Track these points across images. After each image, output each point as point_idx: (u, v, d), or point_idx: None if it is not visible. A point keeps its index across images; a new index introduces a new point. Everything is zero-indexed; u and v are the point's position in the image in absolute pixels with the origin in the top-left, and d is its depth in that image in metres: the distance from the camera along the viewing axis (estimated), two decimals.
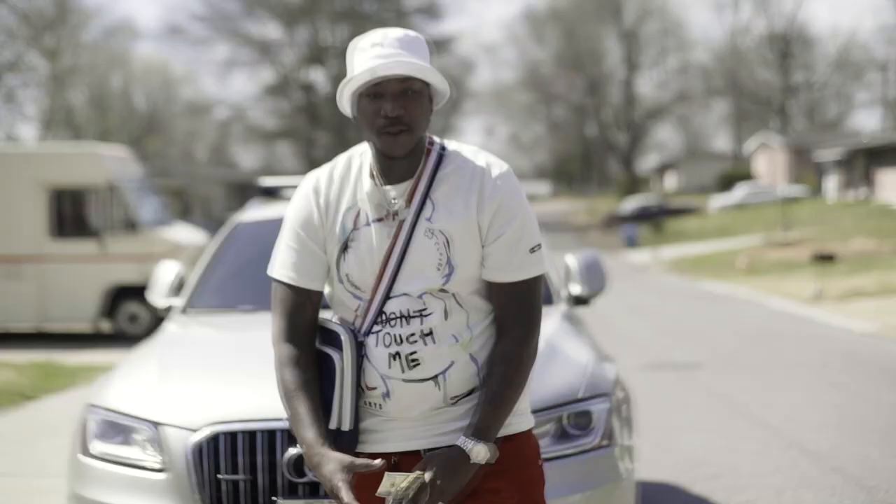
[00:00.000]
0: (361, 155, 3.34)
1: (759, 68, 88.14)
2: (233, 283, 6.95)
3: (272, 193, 7.90)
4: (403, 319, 3.18)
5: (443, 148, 3.31)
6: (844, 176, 61.37)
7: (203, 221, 40.80)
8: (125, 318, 19.38)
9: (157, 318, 18.81)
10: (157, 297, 6.98)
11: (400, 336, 3.20)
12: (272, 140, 68.80)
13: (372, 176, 3.26)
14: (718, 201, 69.33)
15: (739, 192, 68.41)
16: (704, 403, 11.74)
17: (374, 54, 3.16)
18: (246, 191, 64.52)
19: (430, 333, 3.20)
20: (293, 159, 67.50)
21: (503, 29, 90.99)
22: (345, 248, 3.24)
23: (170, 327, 6.49)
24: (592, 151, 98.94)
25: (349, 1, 64.25)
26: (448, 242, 3.19)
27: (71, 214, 19.53)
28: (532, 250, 3.26)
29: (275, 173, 55.59)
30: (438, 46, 67.11)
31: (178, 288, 7.00)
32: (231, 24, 63.13)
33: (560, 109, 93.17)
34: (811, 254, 32.03)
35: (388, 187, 3.23)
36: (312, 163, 61.62)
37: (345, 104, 3.27)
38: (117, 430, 5.19)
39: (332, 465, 3.03)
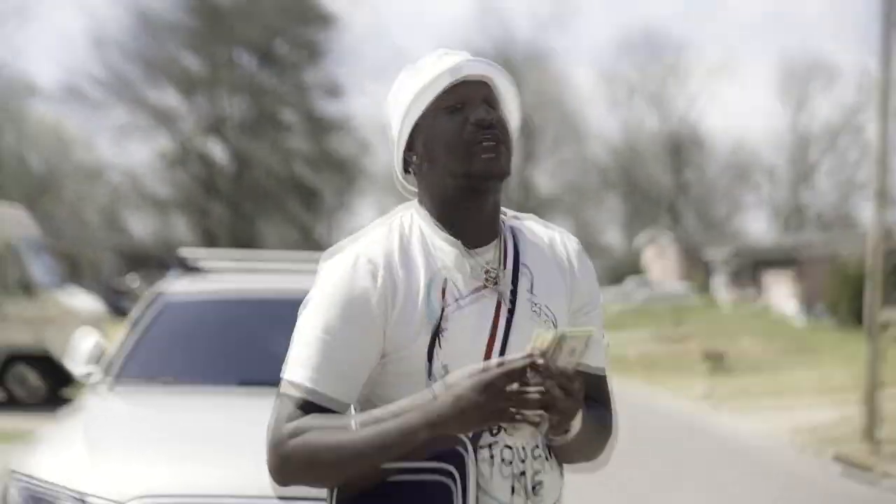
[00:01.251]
0: (412, 217, 2.65)
1: (652, 168, 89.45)
2: (155, 356, 6.89)
3: (190, 267, 7.88)
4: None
5: None
6: (733, 276, 62.33)
7: (93, 286, 40.27)
8: (16, 383, 18.84)
9: (52, 385, 18.45)
10: (76, 365, 6.88)
11: (523, 450, 2.52)
12: (166, 209, 68.31)
13: (446, 233, 2.59)
14: (612, 298, 69.98)
15: (630, 289, 69.12)
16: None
17: (447, 59, 2.63)
18: (138, 259, 63.86)
19: (550, 445, 2.55)
20: (187, 230, 67.01)
21: None
22: (437, 333, 2.48)
23: (93, 399, 6.42)
24: None
25: (249, 74, 64.29)
26: (555, 324, 2.58)
27: None
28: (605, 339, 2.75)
29: (168, 244, 55.14)
30: (337, 126, 67.38)
31: (97, 357, 6.92)
32: (130, 89, 62.83)
33: None
34: (700, 353, 32.35)
35: (479, 249, 2.58)
36: (207, 234, 61.17)
37: (399, 146, 2.66)
38: (41, 500, 5.06)
39: (463, 373, 2.34)
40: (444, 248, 2.57)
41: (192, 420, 6.05)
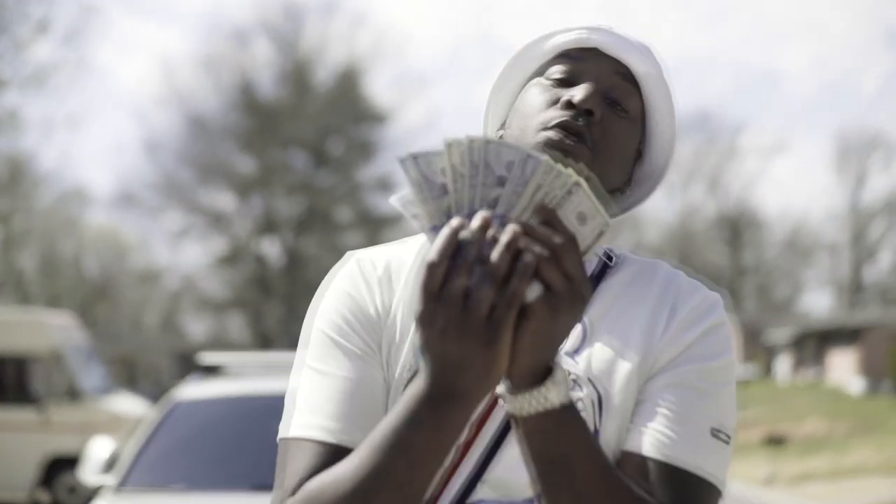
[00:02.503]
0: None
1: (710, 249, 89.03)
2: (168, 461, 6.72)
3: (214, 371, 7.74)
4: None
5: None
6: (795, 356, 61.61)
7: (151, 391, 40.31)
8: (63, 489, 18.82)
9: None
10: (88, 474, 6.74)
11: None
12: (222, 311, 68.48)
13: None
14: None
15: None
16: None
17: (585, 25, 1.96)
18: (194, 362, 64.02)
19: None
20: (243, 331, 67.14)
21: None
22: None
23: None
24: None
25: (303, 174, 64.59)
26: (600, 402, 1.80)
27: (12, 381, 19.21)
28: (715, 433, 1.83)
29: (224, 345, 55.26)
30: (390, 222, 67.62)
31: (110, 465, 6.77)
32: (184, 194, 63.31)
33: None
34: (763, 435, 31.86)
35: None
36: (262, 335, 61.24)
37: (493, 124, 2.03)
38: None
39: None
40: None
41: None
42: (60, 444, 18.71)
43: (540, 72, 1.94)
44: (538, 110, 1.85)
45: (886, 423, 32.87)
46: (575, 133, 1.82)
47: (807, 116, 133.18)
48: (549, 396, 1.57)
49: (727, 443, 1.85)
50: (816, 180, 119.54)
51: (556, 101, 1.85)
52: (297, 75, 62.26)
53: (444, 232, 1.46)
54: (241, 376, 7.70)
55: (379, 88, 64.40)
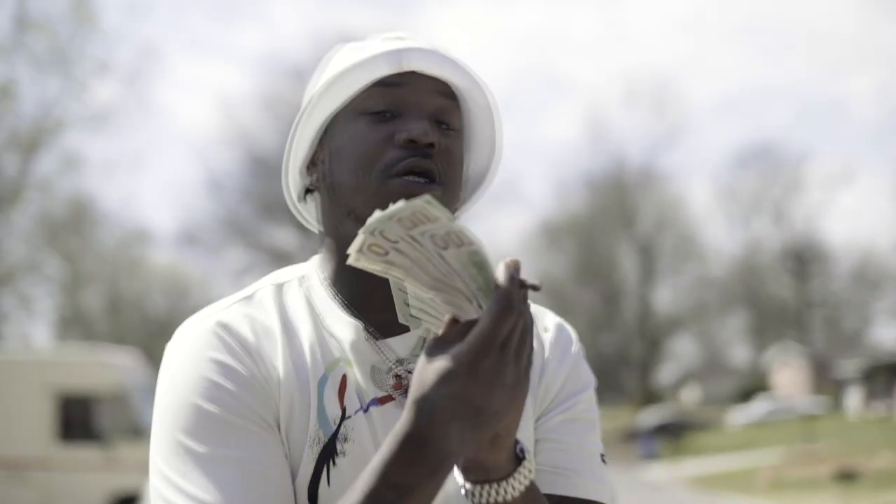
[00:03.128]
0: (302, 280, 1.80)
1: (776, 281, 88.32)
2: None
3: None
4: None
5: None
6: (866, 390, 60.79)
7: None
8: None
9: None
10: None
11: None
12: None
13: (347, 309, 1.75)
14: (738, 415, 68.61)
15: (760, 406, 67.71)
16: None
17: (389, 44, 1.79)
18: None
19: None
20: None
21: (519, 240, 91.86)
22: (329, 456, 1.66)
23: None
24: (608, 363, 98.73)
25: None
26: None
27: (78, 419, 19.28)
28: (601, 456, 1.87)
29: None
30: None
31: None
32: (245, 231, 63.63)
33: (576, 321, 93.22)
34: (833, 470, 31.35)
35: (393, 339, 1.75)
36: None
37: (296, 160, 1.82)
38: None
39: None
40: (341, 326, 1.72)
41: None
42: (125, 482, 18.74)
43: (354, 104, 1.76)
44: (373, 151, 1.70)
45: None
46: (426, 174, 1.71)
47: (872, 145, 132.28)
48: (531, 467, 1.57)
49: (606, 464, 1.87)
50: (883, 209, 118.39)
51: (390, 139, 1.71)
52: None
53: (504, 295, 1.41)
54: None
55: None
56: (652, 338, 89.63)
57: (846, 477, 29.47)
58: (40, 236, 39.26)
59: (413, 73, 1.76)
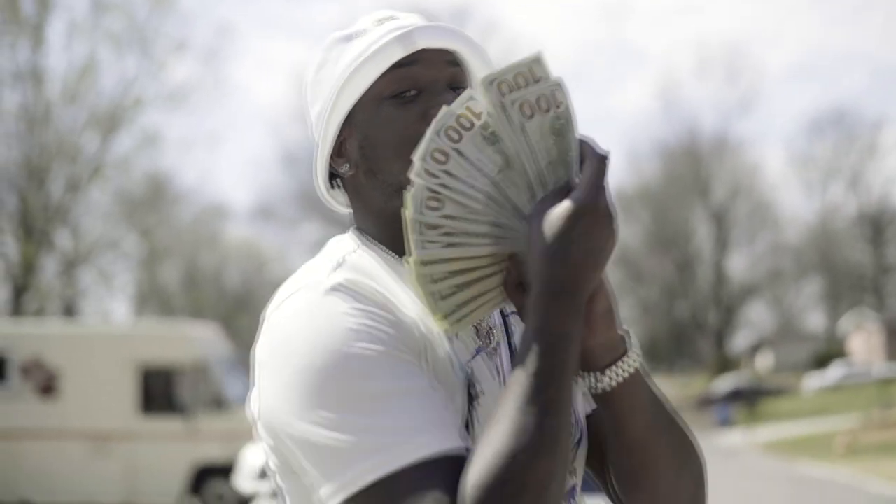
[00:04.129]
0: (357, 249, 1.86)
1: (852, 247, 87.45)
2: None
3: None
4: None
5: None
6: None
7: None
8: (212, 497, 19.11)
9: (244, 499, 18.68)
10: (243, 480, 6.80)
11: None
12: None
13: None
14: (813, 381, 68.17)
15: (835, 371, 67.24)
16: None
17: (392, 27, 1.87)
18: None
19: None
20: None
21: None
22: (471, 400, 1.74)
23: None
24: (683, 331, 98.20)
25: None
26: None
27: (160, 392, 19.55)
28: None
29: None
30: None
31: (264, 472, 6.82)
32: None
33: (650, 289, 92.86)
34: None
35: None
36: None
37: (323, 150, 1.91)
38: None
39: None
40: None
41: None
42: (207, 453, 19.03)
43: (372, 91, 1.85)
44: (412, 131, 1.77)
45: None
46: None
47: None
48: (637, 350, 1.72)
49: None
50: None
51: (423, 116, 1.78)
52: None
53: (592, 142, 1.64)
54: None
55: None
56: (726, 305, 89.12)
57: None
58: (119, 213, 39.74)
59: (422, 49, 1.84)
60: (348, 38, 1.89)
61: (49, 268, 36.11)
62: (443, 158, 1.62)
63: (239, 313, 64.02)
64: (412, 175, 1.62)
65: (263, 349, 1.73)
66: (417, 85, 1.83)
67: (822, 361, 74.95)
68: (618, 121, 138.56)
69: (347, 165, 1.89)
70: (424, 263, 1.64)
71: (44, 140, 33.95)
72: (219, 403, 19.30)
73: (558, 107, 1.61)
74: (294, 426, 1.63)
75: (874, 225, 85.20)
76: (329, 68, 1.89)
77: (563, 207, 1.57)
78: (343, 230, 2.00)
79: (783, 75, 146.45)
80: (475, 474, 1.51)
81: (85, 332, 21.33)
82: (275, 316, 1.73)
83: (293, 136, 75.51)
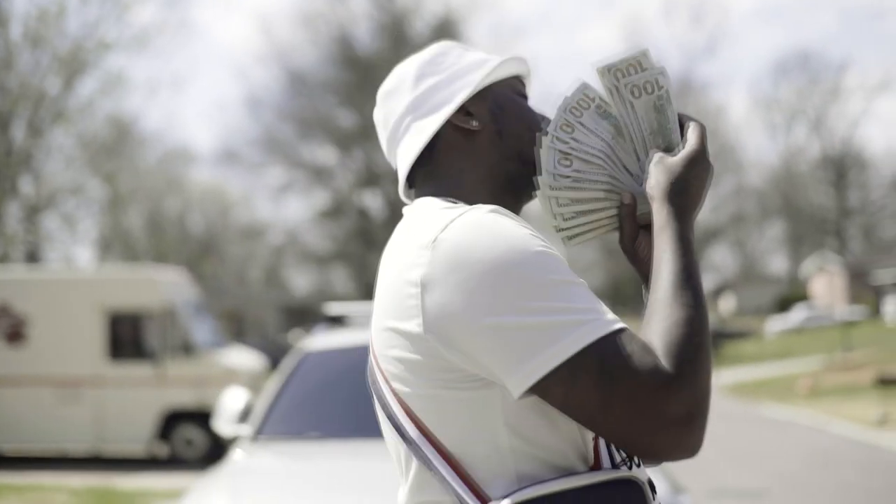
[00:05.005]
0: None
1: (815, 190, 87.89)
2: (301, 411, 6.78)
3: (338, 321, 7.79)
4: None
5: None
6: None
7: (258, 344, 40.78)
8: (181, 441, 19.17)
9: (214, 443, 18.72)
10: (224, 424, 6.81)
11: None
12: (326, 264, 68.90)
13: None
14: (776, 324, 68.72)
15: (797, 314, 67.80)
16: None
17: (513, 53, 2.38)
18: (300, 314, 64.48)
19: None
20: (347, 283, 67.52)
21: None
22: None
23: (239, 455, 6.31)
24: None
25: None
26: None
27: (127, 337, 19.51)
28: None
29: (329, 297, 55.60)
30: None
31: (245, 415, 6.84)
32: (285, 149, 63.65)
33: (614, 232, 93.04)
34: (873, 377, 31.49)
35: None
36: (367, 287, 61.59)
37: (460, 97, 2.25)
38: None
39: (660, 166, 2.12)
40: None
41: (339, 474, 5.92)
42: (176, 398, 19.06)
43: (507, 84, 2.34)
44: (537, 119, 2.30)
45: None
46: None
47: None
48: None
49: None
50: None
51: (534, 114, 2.31)
52: (394, 28, 62.26)
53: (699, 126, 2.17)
54: (365, 326, 7.75)
55: (476, 38, 64.15)
56: None
57: (885, 383, 29.63)
58: (82, 158, 39.46)
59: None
60: (466, 49, 2.37)
61: (12, 214, 35.85)
62: (569, 129, 2.18)
63: (203, 258, 63.86)
64: (546, 141, 2.17)
65: (438, 266, 1.95)
66: (524, 93, 2.37)
67: (784, 304, 75.58)
68: (584, 62, 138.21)
69: (476, 122, 2.26)
70: (553, 188, 2.17)
71: (6, 84, 33.63)
72: (187, 349, 19.28)
73: (661, 89, 2.16)
74: (488, 322, 1.89)
75: (837, 168, 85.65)
76: (454, 57, 2.33)
77: (682, 157, 2.12)
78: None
79: (748, 18, 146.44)
80: (660, 336, 1.88)
81: (52, 278, 21.20)
82: (446, 235, 1.97)
83: (257, 79, 75.18)
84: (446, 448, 1.98)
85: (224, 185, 69.69)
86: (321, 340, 7.32)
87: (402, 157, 2.28)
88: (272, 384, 7.11)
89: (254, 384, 18.61)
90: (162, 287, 19.78)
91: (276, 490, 5.64)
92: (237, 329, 52.56)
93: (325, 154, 64.99)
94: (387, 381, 2.06)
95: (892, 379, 30.15)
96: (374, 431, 6.41)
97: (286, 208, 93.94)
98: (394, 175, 2.37)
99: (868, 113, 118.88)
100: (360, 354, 7.12)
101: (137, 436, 19.11)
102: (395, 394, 2.04)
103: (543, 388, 1.87)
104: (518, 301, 1.88)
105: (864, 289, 69.04)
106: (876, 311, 65.61)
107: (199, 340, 19.49)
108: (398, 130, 2.30)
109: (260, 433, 6.58)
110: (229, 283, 65.77)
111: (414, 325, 1.95)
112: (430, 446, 2.00)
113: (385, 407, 2.09)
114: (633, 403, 1.83)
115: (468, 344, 1.90)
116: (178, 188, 64.65)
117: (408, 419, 2.03)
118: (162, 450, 19.83)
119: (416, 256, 1.98)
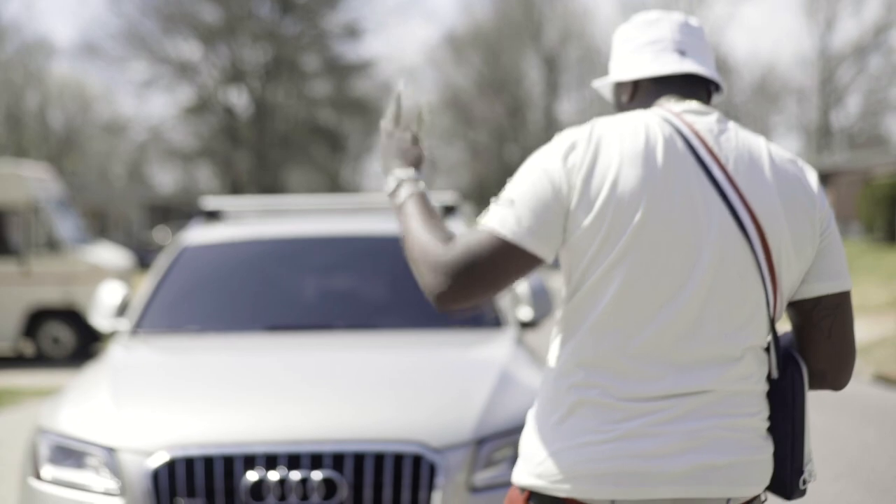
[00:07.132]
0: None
1: None
2: (179, 305, 6.75)
3: (214, 216, 7.75)
4: None
5: None
6: None
7: (122, 241, 40.35)
8: (47, 339, 18.91)
9: (82, 341, 18.55)
10: (101, 319, 6.75)
11: None
12: (190, 161, 68.13)
13: None
14: None
15: None
16: None
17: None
18: (164, 212, 63.82)
19: None
20: (212, 181, 66.86)
21: (424, 52, 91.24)
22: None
23: (118, 350, 6.26)
24: (512, 174, 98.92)
25: (269, 22, 63.79)
26: None
27: None
28: None
29: (193, 195, 55.09)
30: (358, 70, 67.09)
31: (122, 310, 6.79)
32: (148, 43, 62.48)
33: (480, 133, 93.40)
34: None
35: None
36: (232, 184, 61.13)
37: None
38: (70, 454, 4.97)
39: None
40: None
41: (220, 367, 5.94)
42: (42, 296, 18.76)
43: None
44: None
45: (856, 264, 33.19)
46: None
47: None
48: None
49: None
50: (785, 24, 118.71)
51: None
52: None
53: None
54: (242, 221, 7.73)
55: None
56: None
57: None
58: None
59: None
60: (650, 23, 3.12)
61: None
62: None
63: (64, 154, 62.70)
64: None
65: None
66: None
67: None
68: None
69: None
70: None
71: None
72: (52, 245, 18.96)
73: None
74: None
75: None
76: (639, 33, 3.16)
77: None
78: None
79: None
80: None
81: None
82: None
83: None
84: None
85: (85, 80, 68.26)
86: (199, 234, 7.27)
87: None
88: (150, 278, 7.05)
89: (123, 280, 18.40)
90: (26, 182, 19.37)
91: (158, 384, 5.64)
92: (101, 226, 51.82)
93: (189, 49, 64.01)
94: None
95: None
96: (257, 325, 6.47)
97: (150, 104, 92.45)
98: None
99: (732, 19, 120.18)
100: (238, 249, 7.16)
101: (3, 333, 18.76)
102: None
103: None
104: None
105: None
106: None
107: (64, 237, 19.18)
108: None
109: (138, 327, 6.54)
110: (91, 180, 64.68)
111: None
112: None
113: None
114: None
115: None
116: (37, 82, 63.13)
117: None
118: (28, 348, 19.58)
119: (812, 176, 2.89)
